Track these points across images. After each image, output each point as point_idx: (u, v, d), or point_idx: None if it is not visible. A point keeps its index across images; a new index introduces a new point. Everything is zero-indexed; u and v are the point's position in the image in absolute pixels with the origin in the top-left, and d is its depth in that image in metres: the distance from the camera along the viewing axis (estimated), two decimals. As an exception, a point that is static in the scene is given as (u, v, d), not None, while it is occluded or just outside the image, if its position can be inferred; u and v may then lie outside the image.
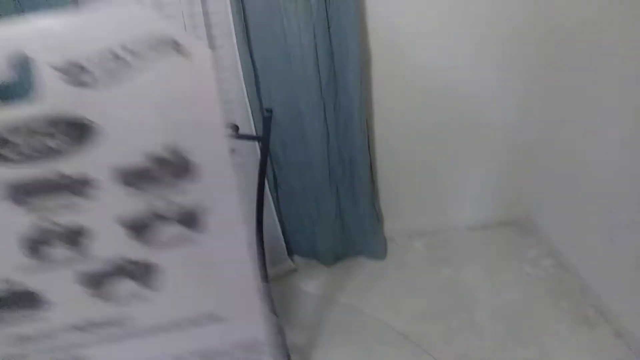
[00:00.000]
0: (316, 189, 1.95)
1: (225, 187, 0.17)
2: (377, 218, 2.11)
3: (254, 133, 1.78)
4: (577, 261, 1.86)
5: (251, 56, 1.71)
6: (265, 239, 1.27)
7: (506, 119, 2.00)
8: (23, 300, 0.17)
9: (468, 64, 1.90)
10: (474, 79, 1.92)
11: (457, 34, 1.85)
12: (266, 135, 1.17)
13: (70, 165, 0.18)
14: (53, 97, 0.17)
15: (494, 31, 1.85)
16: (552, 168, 1.99)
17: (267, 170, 1.67)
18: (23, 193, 0.17)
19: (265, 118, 1.16)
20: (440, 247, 2.16)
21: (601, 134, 1.63)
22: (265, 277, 1.31)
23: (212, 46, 1.58)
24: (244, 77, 1.72)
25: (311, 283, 2.04)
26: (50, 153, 0.17)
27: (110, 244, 0.18)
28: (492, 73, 1.93)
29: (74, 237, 0.17)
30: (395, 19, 1.80)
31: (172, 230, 0.18)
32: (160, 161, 0.18)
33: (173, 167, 0.18)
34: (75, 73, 0.18)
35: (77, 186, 0.18)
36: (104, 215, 0.18)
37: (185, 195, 0.18)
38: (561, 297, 1.79)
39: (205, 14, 1.65)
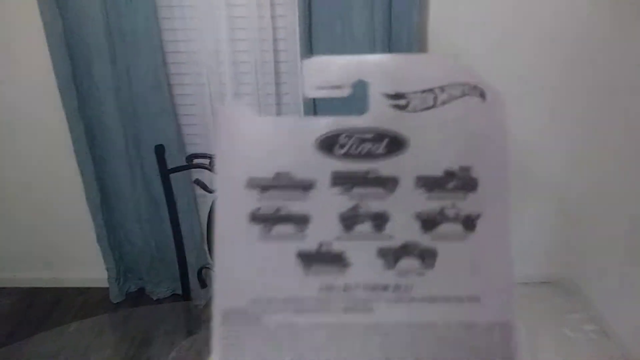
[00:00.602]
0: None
1: (496, 200, 0.25)
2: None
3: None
4: (620, 330, 1.78)
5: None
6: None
7: (554, 171, 1.99)
8: (331, 259, 0.24)
9: (518, 104, 1.89)
10: (523, 122, 1.89)
11: (509, 73, 1.86)
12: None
13: (385, 168, 0.25)
14: (379, 115, 0.25)
15: (548, 72, 1.87)
16: (599, 228, 1.94)
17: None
18: (346, 182, 0.25)
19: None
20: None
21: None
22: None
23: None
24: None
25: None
26: (370, 156, 0.25)
27: (405, 230, 0.25)
28: (543, 118, 1.93)
29: (378, 220, 0.25)
30: (457, 40, 1.85)
31: (452, 227, 0.25)
32: (451, 175, 0.25)
33: (460, 180, 0.25)
34: (398, 99, 0.25)
35: (387, 183, 0.25)
36: (404, 209, 0.25)
37: (465, 203, 0.25)
38: (602, 365, 1.71)
39: (275, 29, 1.81)
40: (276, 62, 1.91)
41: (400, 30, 1.76)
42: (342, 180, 0.25)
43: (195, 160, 1.33)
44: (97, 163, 2.06)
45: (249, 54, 1.90)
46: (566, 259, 2.13)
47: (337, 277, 0.25)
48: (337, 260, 0.25)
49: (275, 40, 1.88)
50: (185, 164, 1.35)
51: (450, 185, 0.25)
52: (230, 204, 0.25)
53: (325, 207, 0.25)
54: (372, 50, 1.73)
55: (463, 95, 0.25)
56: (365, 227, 0.25)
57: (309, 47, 1.80)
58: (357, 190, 0.25)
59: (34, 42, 1.89)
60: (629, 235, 1.75)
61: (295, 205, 0.25)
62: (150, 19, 1.82)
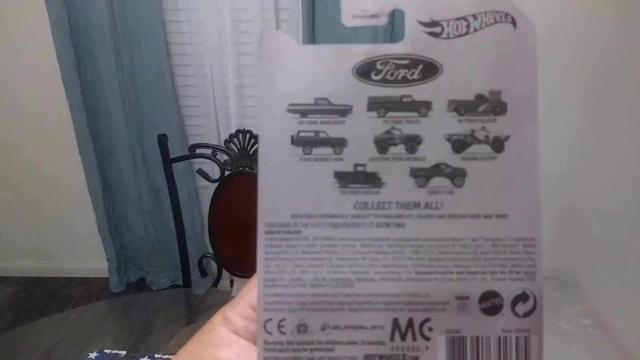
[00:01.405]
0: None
1: (525, 122, 0.27)
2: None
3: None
4: (617, 324, 1.80)
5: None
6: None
7: (556, 167, 2.00)
8: (366, 178, 0.26)
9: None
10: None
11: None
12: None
13: (419, 92, 0.26)
14: (414, 42, 0.26)
15: (554, 70, 1.87)
16: (599, 226, 1.95)
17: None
18: (381, 106, 0.26)
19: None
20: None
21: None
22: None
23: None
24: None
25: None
26: (405, 82, 0.26)
27: (436, 152, 0.26)
28: (548, 116, 1.93)
29: (411, 142, 0.26)
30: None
31: (482, 149, 0.27)
32: (482, 99, 0.26)
33: (490, 104, 0.26)
34: (433, 26, 0.26)
35: (420, 107, 0.26)
36: (436, 131, 0.26)
37: (495, 125, 0.26)
38: (598, 358, 1.72)
39: (278, 21, 1.83)
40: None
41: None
42: (378, 105, 0.27)
43: (198, 150, 1.34)
44: (100, 153, 2.07)
45: (252, 46, 1.91)
46: (563, 254, 2.14)
47: (371, 195, 0.27)
48: (371, 179, 0.27)
49: (278, 32, 1.89)
50: (187, 154, 1.36)
51: (481, 108, 0.26)
52: (272, 128, 0.27)
53: (361, 130, 0.27)
54: (374, 42, 1.74)
55: (495, 22, 0.26)
56: (398, 149, 0.26)
57: (312, 40, 1.81)
58: (392, 114, 0.26)
59: (38, 33, 1.90)
60: (626, 231, 1.76)
61: (333, 129, 0.27)
62: (154, 10, 1.82)
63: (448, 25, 0.26)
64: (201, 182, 2.06)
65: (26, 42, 1.99)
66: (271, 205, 0.27)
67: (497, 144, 0.27)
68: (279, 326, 0.27)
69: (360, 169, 0.27)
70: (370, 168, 0.27)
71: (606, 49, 1.84)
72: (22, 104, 2.10)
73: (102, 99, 1.98)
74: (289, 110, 0.27)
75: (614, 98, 1.83)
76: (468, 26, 0.26)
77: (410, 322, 0.27)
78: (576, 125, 1.97)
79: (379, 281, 0.27)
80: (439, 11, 0.26)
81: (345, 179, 0.27)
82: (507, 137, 0.27)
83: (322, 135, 0.27)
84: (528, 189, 0.27)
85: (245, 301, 0.29)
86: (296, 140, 0.27)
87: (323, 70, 0.27)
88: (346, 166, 0.27)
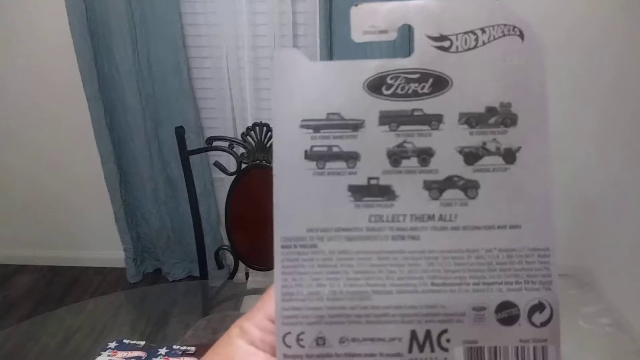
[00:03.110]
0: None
1: (536, 133, 0.27)
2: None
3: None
4: (636, 323, 1.77)
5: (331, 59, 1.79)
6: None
7: (574, 164, 1.97)
8: (380, 191, 0.27)
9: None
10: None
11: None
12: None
13: (429, 106, 0.27)
14: (424, 56, 0.27)
15: (569, 68, 1.85)
16: (616, 222, 1.92)
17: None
18: (393, 120, 0.27)
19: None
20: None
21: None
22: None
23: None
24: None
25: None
26: (416, 95, 0.27)
27: (449, 164, 0.27)
28: (565, 114, 1.91)
29: (423, 155, 0.27)
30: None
31: (493, 160, 0.27)
32: (493, 111, 0.27)
33: (501, 116, 0.27)
34: (442, 40, 0.26)
35: (432, 120, 0.27)
36: (448, 144, 0.27)
37: (506, 137, 0.27)
38: (616, 358, 1.70)
39: (294, 13, 1.82)
40: (295, 46, 1.91)
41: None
42: (390, 119, 0.27)
43: (215, 143, 1.34)
44: (116, 145, 2.09)
45: (268, 39, 1.90)
46: (582, 252, 2.12)
47: (386, 208, 0.27)
48: (385, 192, 0.27)
49: (294, 24, 1.88)
50: (204, 146, 1.36)
51: (492, 120, 0.27)
52: (286, 143, 0.27)
53: (374, 144, 0.27)
54: (392, 56, 1.73)
55: (503, 35, 0.27)
56: (411, 162, 0.27)
57: (329, 32, 1.79)
58: (404, 128, 0.27)
59: (56, 24, 1.91)
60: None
61: (346, 143, 0.27)
62: (171, 2, 1.82)
63: (457, 39, 0.27)
64: (216, 174, 2.07)
65: (44, 33, 2.01)
66: (287, 220, 0.27)
67: (509, 156, 0.27)
68: (298, 340, 0.27)
69: (373, 182, 0.27)
70: (383, 181, 0.27)
71: (622, 43, 1.81)
72: (40, 96, 2.12)
73: (119, 91, 1.99)
74: (302, 126, 0.27)
75: (631, 94, 1.80)
76: (477, 40, 0.27)
77: (428, 334, 0.27)
78: (594, 123, 1.94)
79: (395, 293, 0.27)
80: (448, 26, 0.27)
81: (359, 192, 0.27)
82: (518, 149, 0.27)
83: (335, 149, 0.27)
84: (541, 199, 0.27)
85: (262, 312, 0.29)
86: (310, 155, 0.27)
87: (334, 86, 0.27)
88: (360, 180, 0.27)
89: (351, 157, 0.27)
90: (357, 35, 0.28)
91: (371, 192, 0.27)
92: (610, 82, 1.87)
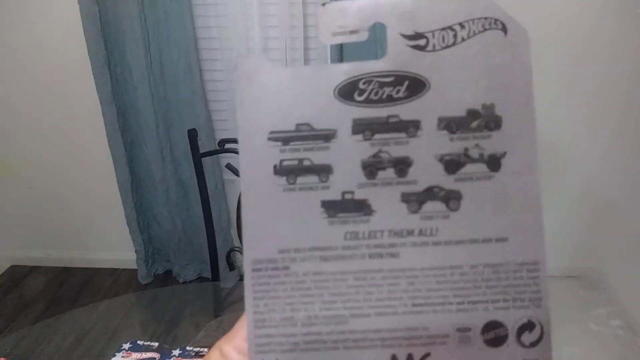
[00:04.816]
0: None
1: (521, 137, 0.25)
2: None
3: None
4: (649, 326, 1.76)
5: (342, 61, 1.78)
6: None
7: (586, 167, 1.96)
8: (355, 206, 0.25)
9: (554, 103, 1.86)
10: (559, 118, 1.87)
11: (546, 72, 1.83)
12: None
13: (406, 111, 0.25)
14: (398, 57, 0.24)
15: (585, 71, 1.83)
16: (627, 224, 1.91)
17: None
18: (367, 128, 0.25)
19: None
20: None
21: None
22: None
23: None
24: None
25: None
26: (391, 100, 0.25)
27: (429, 174, 0.25)
28: (578, 117, 1.90)
29: (400, 165, 0.25)
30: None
31: (477, 168, 0.25)
32: (475, 114, 0.25)
33: (484, 119, 0.25)
34: (417, 39, 0.25)
35: (409, 127, 0.25)
36: (426, 152, 0.25)
37: (490, 142, 0.25)
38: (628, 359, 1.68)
39: (305, 15, 1.83)
40: (306, 48, 1.91)
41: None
42: (363, 127, 0.25)
43: (227, 145, 1.35)
44: (128, 146, 2.10)
45: (279, 41, 1.91)
46: (593, 253, 2.10)
47: (362, 224, 0.25)
48: (360, 207, 0.25)
49: (305, 26, 1.88)
50: (216, 148, 1.36)
51: (474, 124, 0.25)
52: (253, 158, 0.26)
53: (347, 155, 0.25)
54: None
55: (484, 30, 0.25)
56: (387, 173, 0.25)
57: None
58: (379, 137, 0.25)
59: (69, 26, 1.93)
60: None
61: (317, 156, 0.25)
62: (183, 4, 1.83)
63: (433, 36, 0.25)
64: (227, 176, 2.07)
65: (57, 35, 2.03)
66: (257, 241, 0.26)
67: (493, 162, 0.25)
68: None
69: (348, 196, 0.25)
70: (359, 195, 0.25)
71: (636, 44, 1.80)
72: (53, 98, 2.14)
73: (131, 93, 2.00)
74: (270, 139, 0.26)
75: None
76: (455, 36, 0.25)
77: (409, 358, 0.25)
78: (604, 126, 1.92)
79: (374, 316, 0.25)
80: (423, 22, 0.25)
81: (333, 208, 0.25)
82: (503, 154, 0.25)
83: (306, 163, 0.25)
84: (529, 208, 0.25)
85: (241, 335, 0.28)
86: (279, 170, 0.26)
87: (303, 94, 0.25)
88: (333, 194, 0.25)
89: (323, 171, 0.25)
90: (326, 36, 0.25)
91: (346, 207, 0.25)
92: (628, 85, 1.85)
